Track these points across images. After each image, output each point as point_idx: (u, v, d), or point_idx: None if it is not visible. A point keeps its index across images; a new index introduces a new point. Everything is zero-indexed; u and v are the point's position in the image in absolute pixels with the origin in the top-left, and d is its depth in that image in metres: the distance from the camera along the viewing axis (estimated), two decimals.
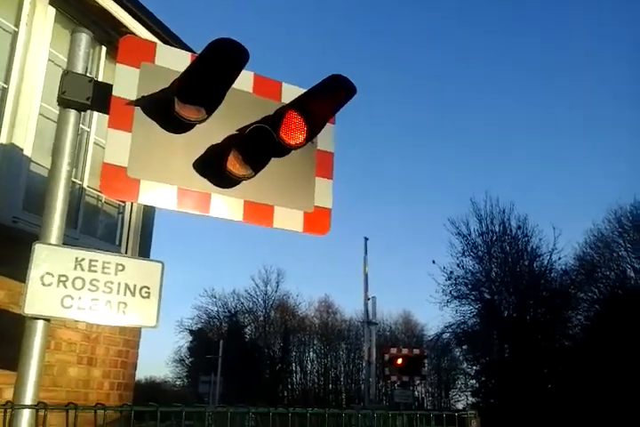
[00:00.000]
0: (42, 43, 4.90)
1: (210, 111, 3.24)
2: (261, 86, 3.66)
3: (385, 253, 75.98)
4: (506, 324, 30.22)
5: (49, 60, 4.99)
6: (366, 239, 24.54)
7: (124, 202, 5.68)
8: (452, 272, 31.28)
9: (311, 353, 55.15)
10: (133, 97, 3.23)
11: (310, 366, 54.98)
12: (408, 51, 78.66)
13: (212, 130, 3.35)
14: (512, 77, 71.74)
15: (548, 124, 69.87)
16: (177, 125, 3.24)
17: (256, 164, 3.34)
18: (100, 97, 3.25)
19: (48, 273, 2.92)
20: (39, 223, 3.09)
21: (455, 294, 31.57)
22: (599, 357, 24.80)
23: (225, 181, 3.33)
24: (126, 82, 3.25)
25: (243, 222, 3.44)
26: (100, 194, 5.41)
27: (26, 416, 2.59)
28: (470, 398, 36.88)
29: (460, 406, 49.27)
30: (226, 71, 3.13)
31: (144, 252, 5.87)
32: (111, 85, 3.23)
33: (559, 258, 30.65)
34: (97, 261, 3.10)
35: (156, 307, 3.23)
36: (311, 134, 3.54)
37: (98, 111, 3.52)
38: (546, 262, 30.98)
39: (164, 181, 3.21)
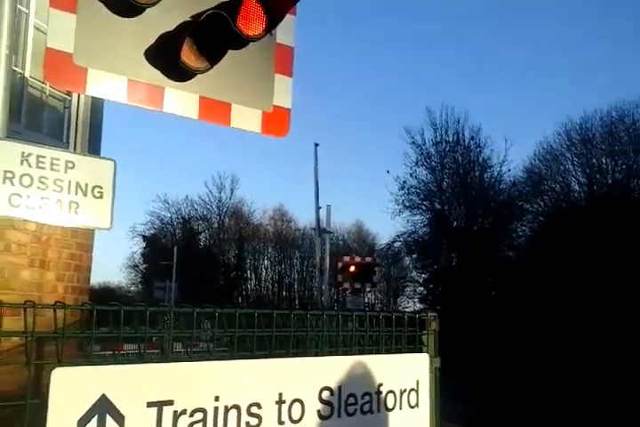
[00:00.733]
0: None
1: None
2: None
3: (340, 162, 76.19)
4: (455, 233, 31.20)
5: None
6: (316, 145, 23.42)
7: (70, 94, 5.34)
8: (405, 182, 31.74)
9: (265, 261, 56.17)
10: None
11: (265, 274, 56.19)
12: None
13: (165, 15, 3.09)
14: None
15: (504, 36, 68.71)
16: (126, 8, 2.96)
17: (212, 55, 3.13)
18: None
19: None
20: None
21: (407, 204, 32.22)
22: (541, 268, 25.98)
23: (179, 73, 3.13)
24: None
25: (198, 120, 3.27)
26: (43, 86, 5.05)
27: None
28: (418, 305, 38.59)
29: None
30: None
31: (93, 150, 5.60)
32: None
33: (509, 170, 31.31)
34: (45, 157, 2.93)
35: (110, 208, 3.12)
36: (270, 25, 3.31)
37: None
38: (496, 174, 31.64)
39: (114, 71, 2.98)
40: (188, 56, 3.08)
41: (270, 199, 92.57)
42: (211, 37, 3.07)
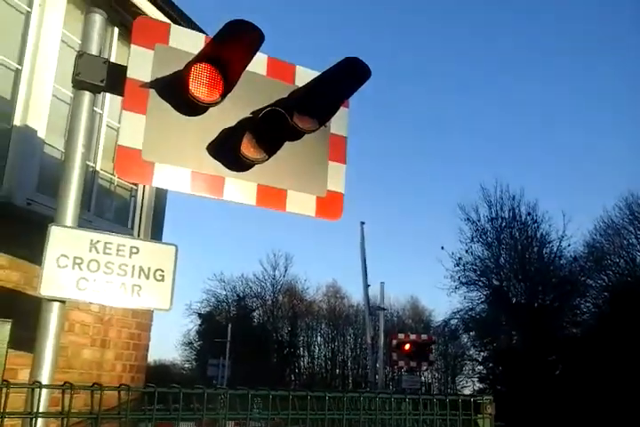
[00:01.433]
0: (55, 23, 4.87)
1: (224, 94, 3.22)
2: (275, 69, 3.64)
3: (393, 238, 76.08)
4: (514, 310, 30.23)
5: (62, 41, 4.97)
6: (362, 224, 23.18)
7: (137, 185, 5.69)
8: (460, 258, 31.30)
9: (319, 338, 55.44)
10: (148, 79, 3.21)
11: (318, 351, 55.31)
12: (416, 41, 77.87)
13: (226, 113, 3.33)
14: (528, 60, 70.97)
15: (561, 112, 69.14)
16: (191, 108, 3.22)
17: (269, 147, 3.33)
18: (115, 79, 3.24)
19: (63, 255, 2.93)
20: (53, 205, 3.10)
21: (463, 280, 31.63)
22: (607, 345, 24.77)
23: (238, 164, 3.32)
24: (141, 63, 3.23)
25: (256, 206, 3.43)
26: (112, 177, 5.41)
27: (44, 397, 2.61)
28: (477, 385, 37.00)
29: (466, 392, 49.49)
30: (240, 53, 3.11)
31: (156, 234, 5.88)
32: (125, 67, 3.21)
33: (569, 245, 30.62)
34: (112, 243, 3.11)
35: (170, 290, 3.24)
36: (324, 119, 3.52)
37: (112, 93, 3.51)
38: (555, 249, 30.94)
39: (178, 164, 3.20)
40: (248, 149, 3.28)
41: (324, 276, 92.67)
42: (269, 131, 3.28)
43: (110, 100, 5.35)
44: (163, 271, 3.24)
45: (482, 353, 35.26)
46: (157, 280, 3.21)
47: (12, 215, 4.28)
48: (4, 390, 1.90)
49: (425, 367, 26.01)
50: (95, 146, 5.27)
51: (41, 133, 4.63)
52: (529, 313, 29.45)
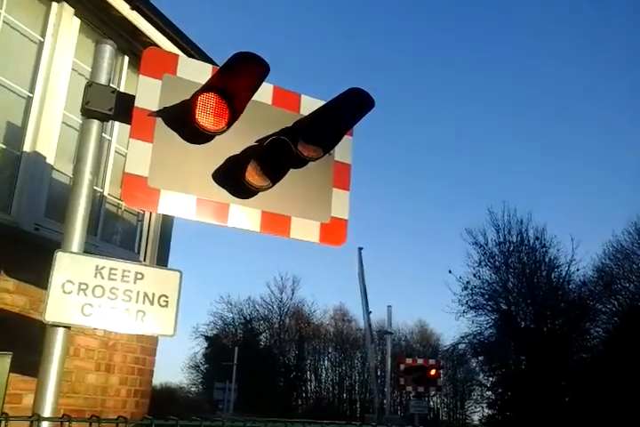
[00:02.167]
0: (66, 53, 4.99)
1: (230, 123, 3.28)
2: (280, 98, 3.70)
3: (402, 261, 75.82)
4: (523, 335, 29.92)
5: (72, 69, 5.08)
6: (360, 249, 22.46)
7: (143, 211, 5.75)
8: (468, 282, 31.10)
9: (326, 362, 54.99)
10: (155, 108, 3.28)
11: (325, 375, 54.81)
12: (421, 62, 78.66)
13: (232, 141, 3.39)
14: (537, 78, 71.38)
15: (569, 135, 69.31)
16: (197, 137, 3.28)
17: (274, 175, 3.37)
18: (123, 108, 3.31)
19: (69, 281, 2.97)
20: (61, 230, 3.15)
21: (471, 304, 31.37)
22: (618, 371, 24.43)
23: (243, 191, 3.37)
24: (148, 93, 3.30)
25: (260, 233, 3.47)
26: (120, 202, 5.48)
27: None
28: (486, 410, 36.46)
29: (475, 417, 48.76)
30: (246, 84, 3.18)
31: (162, 259, 5.93)
32: (133, 96, 3.28)
33: (577, 269, 30.35)
34: (117, 269, 3.15)
35: (174, 316, 3.27)
36: (328, 147, 3.57)
37: (120, 122, 3.58)
38: (564, 273, 30.68)
39: (184, 191, 3.25)
40: (253, 176, 3.33)
41: (331, 299, 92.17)
42: (274, 159, 3.33)
43: (119, 127, 5.44)
44: (167, 297, 3.27)
45: (490, 378, 34.81)
46: (161, 306, 3.24)
47: (19, 240, 4.33)
48: (4, 423, 1.92)
49: (433, 392, 25.72)
50: (103, 171, 5.35)
51: (50, 159, 4.71)
52: (538, 338, 29.13)
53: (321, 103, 3.62)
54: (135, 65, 5.63)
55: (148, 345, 5.51)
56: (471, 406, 52.07)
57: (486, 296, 31.64)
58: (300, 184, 3.64)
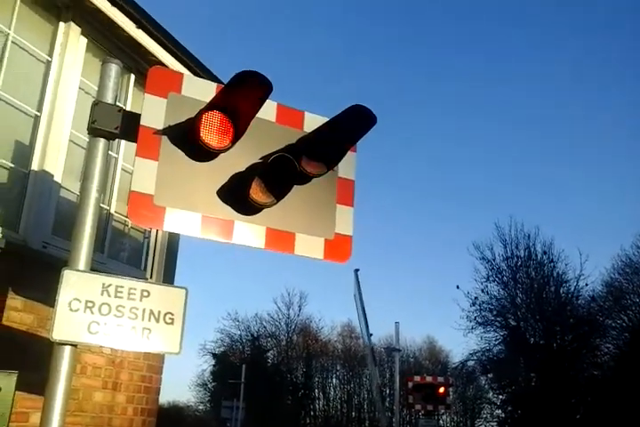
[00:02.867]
0: (73, 72, 5.07)
1: (234, 140, 3.32)
2: (284, 115, 3.74)
3: (409, 278, 75.54)
4: (532, 351, 29.63)
5: (80, 88, 5.15)
6: (356, 271, 21.83)
7: (150, 229, 5.78)
8: (476, 298, 30.92)
9: (334, 379, 54.51)
10: (160, 126, 3.32)
11: (333, 393, 54.30)
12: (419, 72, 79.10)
13: (236, 158, 3.42)
14: (542, 91, 71.57)
15: (575, 149, 69.35)
16: (202, 154, 3.32)
17: (278, 192, 3.40)
18: (129, 126, 3.36)
19: (76, 299, 2.99)
20: (68, 248, 3.17)
21: (480, 320, 31.16)
22: (630, 387, 24.12)
23: (248, 208, 3.39)
24: (154, 112, 3.35)
25: (265, 249, 3.48)
26: (126, 219, 5.51)
27: None
28: None
29: None
30: (250, 102, 3.21)
31: (169, 276, 5.94)
32: (139, 115, 3.33)
33: (586, 284, 30.11)
34: (123, 287, 3.17)
35: (180, 333, 3.27)
36: (332, 163, 3.60)
37: (126, 140, 3.62)
38: (572, 289, 30.46)
39: (189, 209, 3.28)
40: (257, 193, 3.36)
41: (338, 315, 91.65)
42: (278, 176, 3.36)
43: (126, 145, 5.49)
44: (173, 315, 3.28)
45: (500, 396, 34.42)
46: (167, 323, 3.25)
47: (28, 258, 4.36)
48: None
49: (442, 411, 25.43)
50: (110, 189, 5.39)
51: (57, 178, 4.76)
52: (547, 354, 28.85)
53: (324, 120, 3.66)
54: (141, 83, 5.69)
55: (155, 363, 5.50)
56: (481, 425, 51.37)
57: (494, 312, 31.44)
58: (304, 201, 3.66)
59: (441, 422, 47.74)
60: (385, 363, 49.93)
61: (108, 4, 5.08)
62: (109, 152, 5.26)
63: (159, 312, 3.24)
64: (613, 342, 30.93)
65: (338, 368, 54.28)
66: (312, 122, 3.76)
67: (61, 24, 5.05)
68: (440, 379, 20.81)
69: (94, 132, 3.37)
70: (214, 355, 51.51)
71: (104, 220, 5.27)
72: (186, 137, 3.32)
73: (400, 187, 77.53)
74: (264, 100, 3.24)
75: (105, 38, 5.43)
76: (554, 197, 68.30)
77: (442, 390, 19.39)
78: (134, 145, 3.28)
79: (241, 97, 3.21)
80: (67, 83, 4.99)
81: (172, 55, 5.76)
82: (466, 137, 73.10)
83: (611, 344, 31.11)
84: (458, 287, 31.47)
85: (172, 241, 6.02)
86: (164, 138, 3.32)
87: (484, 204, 72.46)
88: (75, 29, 5.11)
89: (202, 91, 3.51)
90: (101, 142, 3.37)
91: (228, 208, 3.39)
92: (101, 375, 4.86)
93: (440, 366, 52.47)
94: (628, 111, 65.36)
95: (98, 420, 4.79)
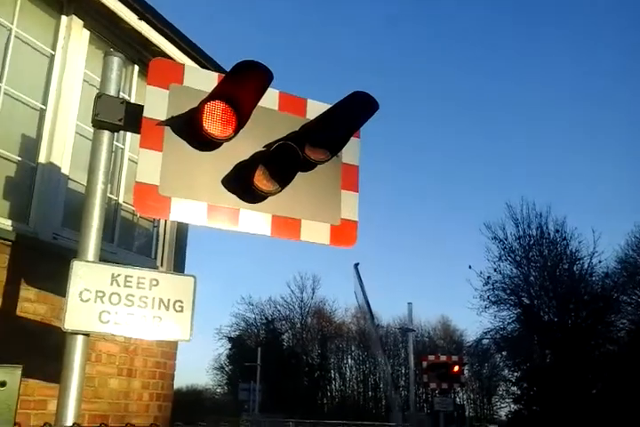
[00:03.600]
0: (77, 64, 5.08)
1: (236, 129, 3.34)
2: (286, 103, 3.75)
3: (422, 258, 75.59)
4: (546, 329, 29.70)
5: (84, 80, 5.17)
6: (356, 266, 21.07)
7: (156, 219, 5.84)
8: (489, 277, 30.92)
9: (349, 360, 55.03)
10: (163, 117, 3.35)
11: (349, 373, 54.85)
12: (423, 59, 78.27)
13: (240, 147, 3.45)
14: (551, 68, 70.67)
15: (586, 124, 68.58)
16: (205, 144, 3.35)
17: (282, 179, 3.42)
18: (132, 118, 3.39)
19: (86, 289, 3.05)
20: (78, 239, 3.23)
21: (493, 299, 31.20)
22: None
23: (253, 196, 3.43)
24: (156, 103, 3.37)
25: (271, 237, 3.52)
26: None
27: None
28: (512, 406, 36.18)
29: (502, 413, 48.42)
30: (251, 91, 3.23)
31: (179, 264, 6.01)
32: (142, 106, 3.35)
33: (600, 261, 30.03)
34: (132, 276, 3.23)
35: (190, 320, 3.33)
36: (335, 149, 3.61)
37: (130, 131, 3.67)
38: (586, 266, 30.38)
39: (194, 198, 3.32)
40: (261, 181, 3.39)
41: (352, 297, 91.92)
42: (281, 164, 3.38)
43: (132, 136, 5.52)
44: (182, 302, 3.34)
45: (515, 373, 34.61)
46: (177, 311, 3.31)
47: (38, 250, 4.43)
48: None
49: (457, 389, 25.64)
50: (117, 179, 5.44)
51: (65, 170, 4.81)
52: (562, 331, 28.91)
53: (327, 107, 3.66)
54: (145, 74, 5.70)
55: (168, 349, 5.59)
56: (497, 402, 51.76)
57: (508, 291, 31.48)
58: (309, 187, 3.68)
59: (457, 399, 48.06)
60: (399, 343, 50.28)
61: None
62: (116, 143, 5.33)
63: (169, 300, 3.30)
64: (628, 317, 30.90)
65: (353, 349, 54.75)
66: (314, 109, 3.77)
67: (64, 17, 5.05)
68: (454, 358, 20.95)
69: (98, 124, 3.41)
70: (230, 339, 52.13)
71: (113, 210, 5.33)
72: (189, 127, 3.34)
73: (412, 169, 77.27)
74: (265, 89, 3.25)
75: (107, 30, 5.43)
76: (566, 175, 67.75)
77: (456, 368, 19.53)
78: (139, 136, 3.30)
79: (242, 86, 3.22)
80: (71, 76, 5.01)
81: (175, 46, 5.75)
82: (475, 119, 72.46)
83: (626, 320, 31.08)
84: (470, 267, 31.58)
85: (182, 229, 6.08)
86: (167, 129, 3.35)
87: (495, 184, 72.04)
88: (77, 22, 5.11)
89: (203, 81, 3.52)
90: (105, 134, 3.41)
91: (234, 197, 3.42)
92: (116, 363, 4.95)
93: (455, 345, 52.74)
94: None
95: (114, 406, 4.89)
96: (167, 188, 3.25)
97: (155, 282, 3.30)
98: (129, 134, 5.57)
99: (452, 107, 76.06)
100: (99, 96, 3.42)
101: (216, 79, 3.54)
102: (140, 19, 5.36)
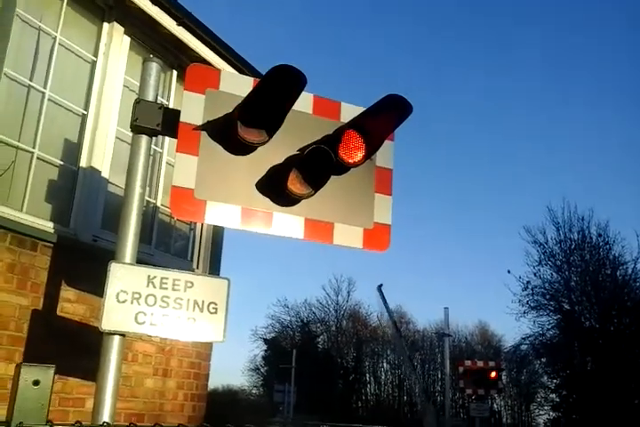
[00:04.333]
0: (117, 70, 5.21)
1: (271, 133, 3.37)
2: (320, 107, 3.77)
3: (460, 261, 74.79)
4: (587, 335, 29.00)
5: (124, 86, 5.29)
6: (380, 287, 20.53)
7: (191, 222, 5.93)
8: (528, 282, 30.33)
9: (385, 364, 54.72)
10: (199, 122, 3.41)
11: (384, 377, 54.53)
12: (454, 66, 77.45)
13: (274, 151, 3.48)
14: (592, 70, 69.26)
15: (624, 126, 66.97)
16: (240, 148, 3.39)
17: (316, 182, 3.44)
18: (169, 123, 3.45)
19: (123, 291, 3.12)
20: (116, 241, 3.30)
21: (532, 304, 30.60)
22: None
23: (286, 200, 3.45)
24: (192, 108, 3.43)
25: (303, 240, 3.54)
26: None
27: None
28: (551, 413, 35.48)
29: (540, 420, 47.53)
30: (285, 96, 3.26)
31: (215, 265, 6.08)
32: (179, 111, 3.42)
33: None
34: (167, 278, 3.28)
35: (223, 322, 3.37)
36: (370, 152, 3.62)
37: (167, 136, 3.73)
38: (630, 271, 29.54)
39: (229, 202, 3.36)
40: (295, 184, 3.41)
41: (388, 301, 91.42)
42: (315, 168, 3.40)
43: (170, 140, 5.62)
44: (216, 304, 3.38)
45: (554, 380, 33.90)
46: (211, 313, 3.35)
47: (79, 251, 4.54)
48: None
49: (494, 395, 25.25)
50: (156, 183, 5.54)
51: (105, 173, 4.92)
52: (603, 338, 28.20)
53: (361, 109, 3.67)
54: (183, 79, 5.80)
55: (203, 350, 5.66)
56: (536, 409, 50.80)
57: (548, 296, 30.84)
58: (342, 191, 3.69)
59: (495, 405, 47.37)
60: (436, 347, 49.80)
61: (149, 2, 5.19)
62: (154, 147, 5.43)
63: (203, 302, 3.35)
64: None
65: (388, 353, 54.41)
66: (349, 112, 3.78)
67: (105, 24, 5.18)
68: (491, 363, 20.68)
69: (137, 129, 3.48)
70: (265, 340, 52.41)
71: (151, 213, 5.43)
72: (224, 132, 3.39)
73: (451, 169, 76.60)
74: (299, 93, 3.27)
75: (147, 36, 5.55)
76: (608, 179, 66.24)
77: (493, 374, 19.28)
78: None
79: (276, 91, 3.25)
80: (111, 81, 5.13)
81: (213, 51, 5.83)
82: (515, 120, 71.45)
83: None
84: (509, 272, 30.99)
85: (218, 232, 6.15)
86: (204, 133, 3.41)
87: (536, 187, 70.87)
88: (118, 29, 5.24)
89: (238, 86, 3.57)
90: (144, 139, 3.49)
91: (267, 200, 3.46)
92: (152, 363, 5.04)
93: (492, 350, 51.99)
94: None
95: (150, 405, 4.98)
96: (202, 191, 3.31)
97: (189, 284, 3.36)
98: (167, 138, 5.67)
99: (485, 104, 75.14)
100: (137, 101, 3.50)
101: (251, 84, 3.59)
102: (179, 24, 5.46)
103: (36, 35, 4.70)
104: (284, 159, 3.52)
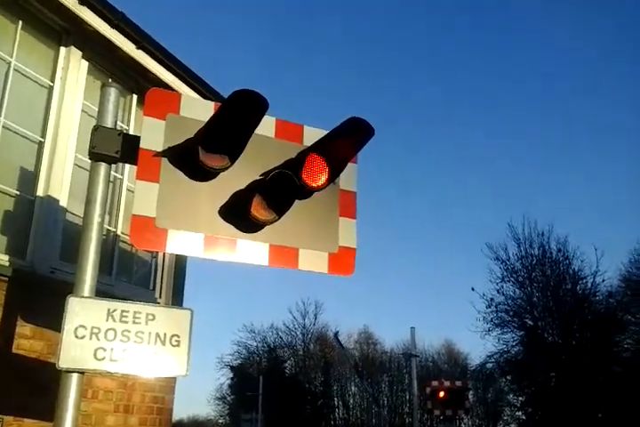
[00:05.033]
0: (75, 95, 5.09)
1: (233, 159, 3.30)
2: (283, 130, 3.73)
3: (425, 282, 75.24)
4: (551, 351, 29.34)
5: (82, 111, 5.17)
6: (336, 334, 20.16)
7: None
8: (492, 299, 30.62)
9: (353, 387, 54.25)
10: (160, 148, 3.32)
11: (353, 401, 54.02)
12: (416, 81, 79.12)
13: (236, 176, 3.41)
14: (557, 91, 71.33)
15: (585, 145, 68.98)
16: (202, 174, 3.31)
17: (280, 208, 3.38)
18: (129, 149, 3.36)
19: (81, 326, 2.99)
20: (75, 274, 3.17)
21: (496, 321, 30.88)
22: None
23: (250, 226, 3.38)
24: (153, 134, 3.35)
25: (268, 266, 3.46)
26: None
27: None
28: None
29: None
30: (246, 120, 3.21)
31: (178, 294, 5.93)
32: (139, 137, 3.33)
33: (603, 280, 29.73)
34: (128, 311, 3.16)
35: (187, 355, 3.26)
36: (333, 176, 3.59)
37: (127, 163, 3.63)
38: (589, 285, 30.11)
39: (191, 230, 3.27)
40: (258, 210, 3.34)
41: (355, 322, 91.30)
42: (278, 192, 3.34)
43: (130, 166, 5.50)
44: (179, 337, 3.26)
45: (520, 398, 34.08)
46: (173, 346, 3.24)
47: (36, 284, 4.37)
48: None
49: (462, 415, 25.20)
50: (116, 210, 5.40)
51: (63, 202, 4.77)
52: (566, 353, 28.56)
53: (324, 133, 3.64)
54: (143, 103, 5.71)
55: (166, 383, 5.47)
56: None
57: (511, 313, 31.17)
58: (306, 215, 3.64)
59: (462, 425, 47.34)
60: (403, 368, 49.65)
61: (108, 26, 5.11)
62: (114, 173, 5.30)
63: (165, 335, 3.23)
64: (634, 337, 30.53)
65: (356, 376, 53.99)
66: (311, 135, 3.75)
67: (62, 49, 5.08)
68: (458, 383, 20.64)
69: (95, 156, 3.38)
70: (232, 367, 51.45)
71: (111, 241, 5.28)
72: (186, 158, 3.31)
73: (411, 190, 77.47)
74: (260, 119, 3.23)
75: (106, 60, 5.46)
76: (566, 194, 67.88)
77: (460, 394, 19.22)
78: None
79: (237, 115, 3.19)
80: (69, 106, 5.01)
81: (173, 73, 5.77)
82: (473, 138, 72.97)
83: (631, 340, 30.71)
84: (473, 289, 31.25)
85: (180, 260, 6.02)
86: (164, 160, 3.32)
87: (497, 204, 72.13)
88: (75, 53, 5.13)
89: (199, 110, 3.50)
90: (102, 167, 3.38)
91: (231, 227, 3.38)
92: (113, 399, 4.84)
93: (459, 369, 52.11)
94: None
95: None
96: (164, 220, 3.21)
97: (151, 317, 3.23)
98: (127, 165, 5.55)
99: (440, 123, 76.62)
100: (95, 128, 3.40)
101: (212, 108, 3.53)
102: (138, 48, 5.38)
103: None
104: (246, 185, 3.46)
